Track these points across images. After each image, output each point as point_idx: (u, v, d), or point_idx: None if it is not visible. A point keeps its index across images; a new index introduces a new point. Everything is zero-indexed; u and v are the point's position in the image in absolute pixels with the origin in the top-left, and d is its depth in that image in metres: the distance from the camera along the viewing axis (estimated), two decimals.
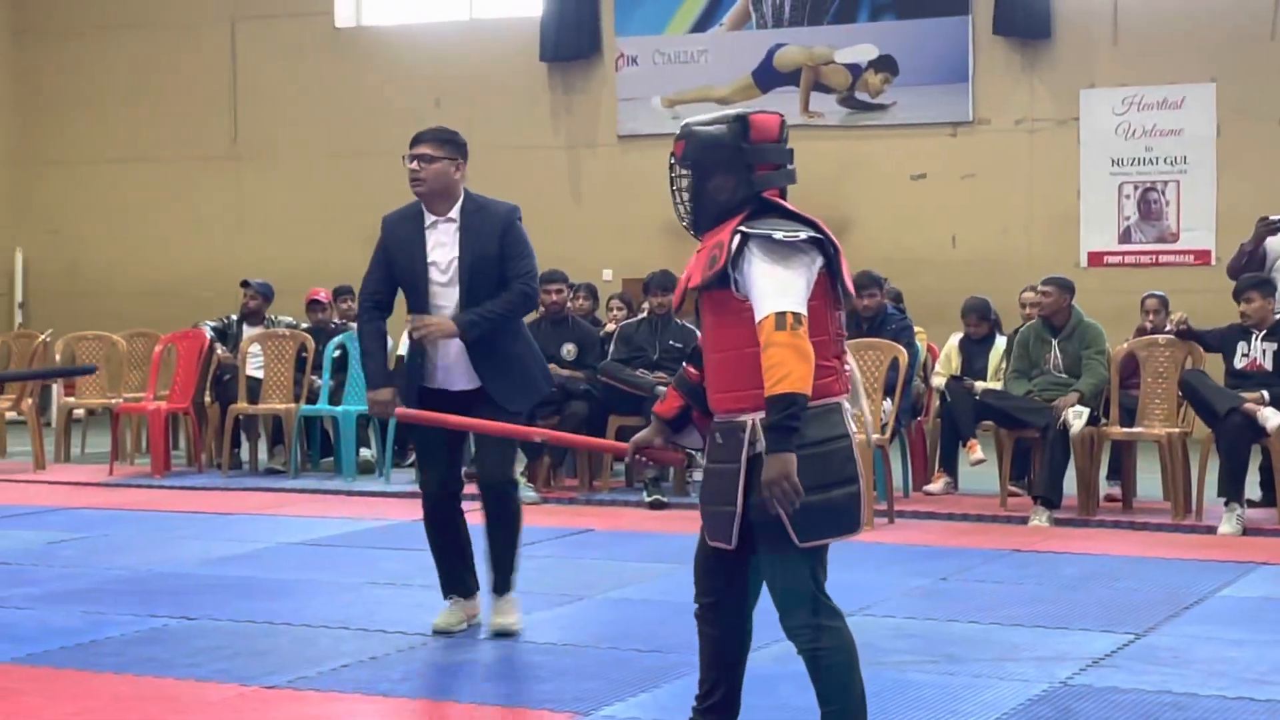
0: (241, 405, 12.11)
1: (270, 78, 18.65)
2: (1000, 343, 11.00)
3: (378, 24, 18.52)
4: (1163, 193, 15.40)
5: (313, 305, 12.93)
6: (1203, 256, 15.15)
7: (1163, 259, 15.34)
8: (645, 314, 11.16)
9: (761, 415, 4.16)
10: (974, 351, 11.10)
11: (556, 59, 17.49)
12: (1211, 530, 9.12)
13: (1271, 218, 10.14)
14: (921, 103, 16.16)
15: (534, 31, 17.47)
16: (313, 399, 12.21)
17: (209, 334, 12.64)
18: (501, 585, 6.37)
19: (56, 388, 15.04)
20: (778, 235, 4.21)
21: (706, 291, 4.33)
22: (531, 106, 17.77)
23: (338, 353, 12.32)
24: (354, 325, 13.13)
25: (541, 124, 17.69)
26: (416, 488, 11.09)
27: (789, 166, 4.44)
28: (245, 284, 12.96)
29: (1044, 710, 5.14)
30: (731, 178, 4.36)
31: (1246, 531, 9.08)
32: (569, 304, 11.62)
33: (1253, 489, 9.72)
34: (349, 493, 11.15)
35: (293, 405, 12.04)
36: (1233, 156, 15.14)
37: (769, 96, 16.64)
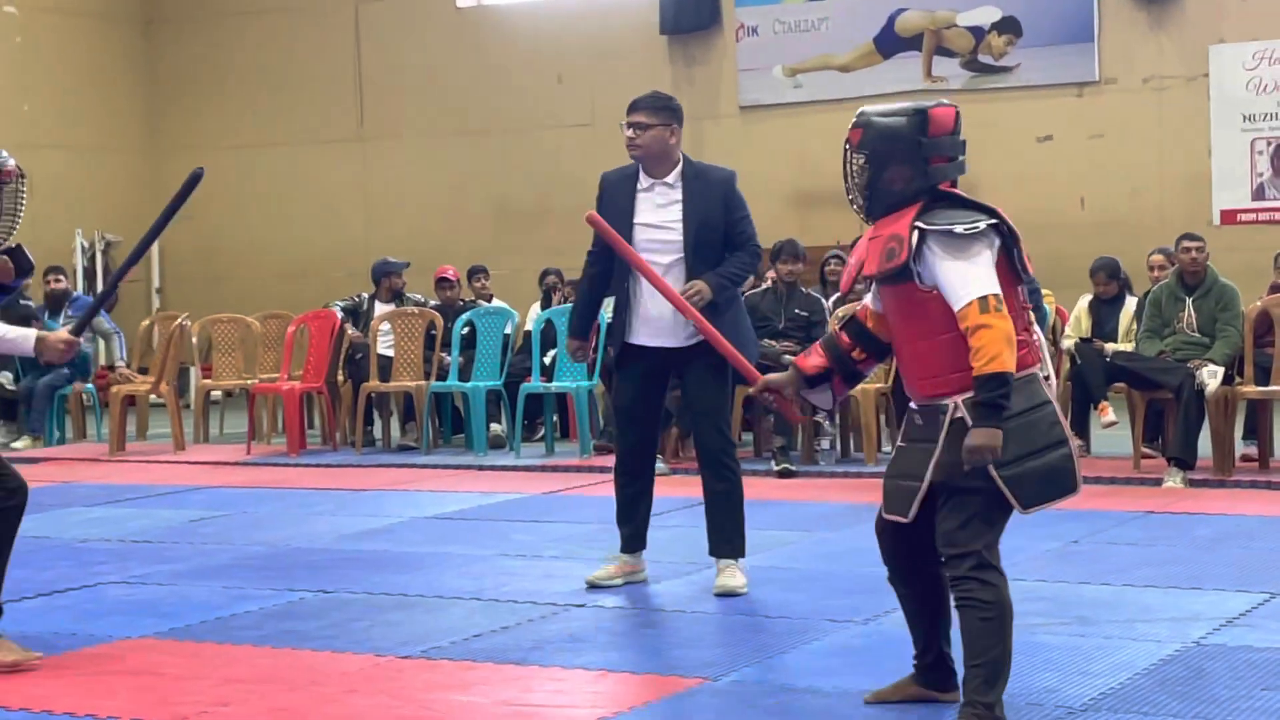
0: (373, 383, 12.28)
1: (394, 59, 18.84)
2: (1130, 304, 10.86)
3: (498, 2, 18.63)
4: None
5: (441, 283, 13.07)
6: None
7: None
8: (770, 283, 11.15)
9: (963, 397, 4.30)
10: (1104, 313, 10.97)
11: (677, 31, 17.50)
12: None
13: None
14: (1046, 63, 15.97)
15: (653, 4, 17.50)
16: (443, 376, 12.35)
17: (339, 314, 12.83)
18: (724, 549, 6.53)
19: (195, 370, 15.32)
20: (958, 229, 4.31)
21: (886, 284, 4.47)
22: (653, 79, 17.72)
23: (466, 329, 12.45)
24: (482, 303, 13.30)
25: None
26: (547, 461, 11.25)
27: (961, 158, 4.53)
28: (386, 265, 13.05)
29: (1176, 670, 5.09)
30: (908, 169, 4.46)
31: None
32: None
33: None
34: (480, 467, 11.26)
35: (423, 382, 12.18)
36: None
37: (891, 62, 16.55)
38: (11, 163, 5.40)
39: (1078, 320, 11.10)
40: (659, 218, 6.48)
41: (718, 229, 6.47)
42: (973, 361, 4.24)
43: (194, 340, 13.80)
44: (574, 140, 17.67)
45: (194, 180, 5.46)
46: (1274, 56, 15.13)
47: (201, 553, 7.88)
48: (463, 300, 13.22)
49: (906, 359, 4.52)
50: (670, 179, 6.51)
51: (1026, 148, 16.13)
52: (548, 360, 12.32)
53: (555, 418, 12.55)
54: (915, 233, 4.35)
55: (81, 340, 5.52)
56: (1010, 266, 4.40)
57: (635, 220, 6.48)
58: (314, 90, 19.19)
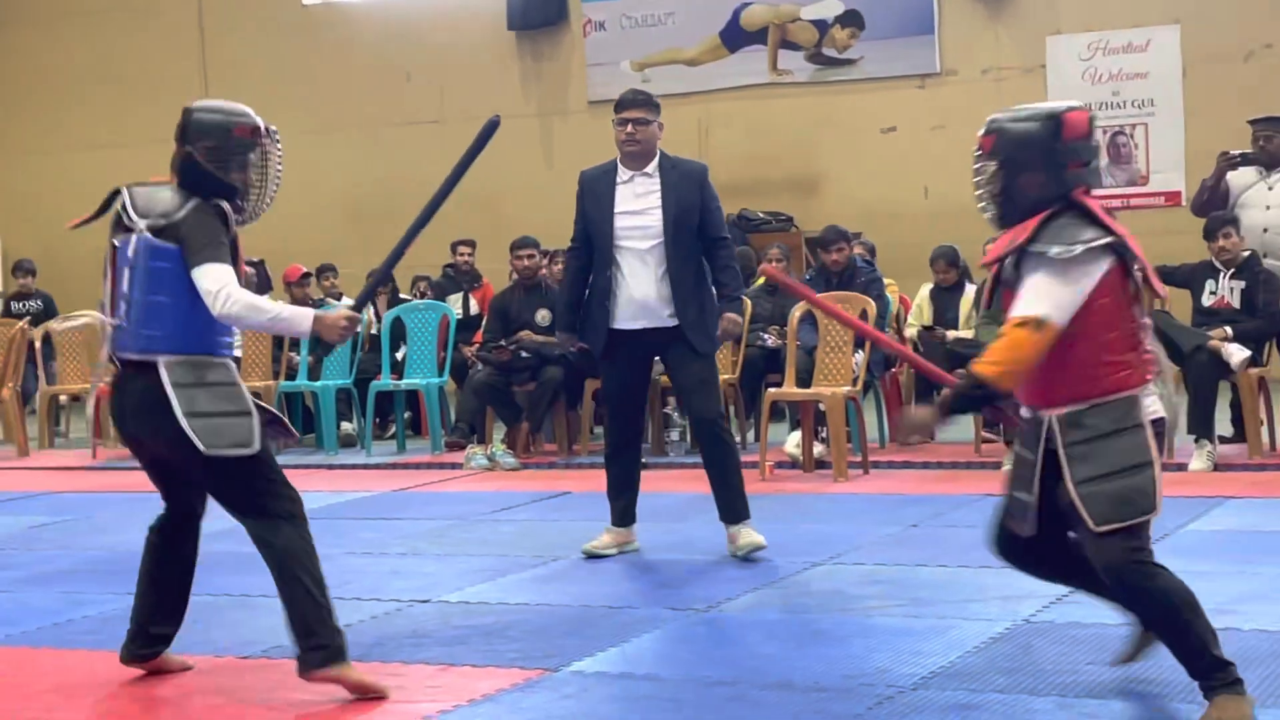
0: None
1: (239, 58, 18.65)
2: (970, 291, 11.07)
3: (345, 0, 18.51)
4: (1131, 136, 15.46)
5: (300, 280, 12.99)
6: (1173, 198, 15.21)
7: (1134, 202, 15.38)
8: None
9: (1058, 413, 4.31)
10: (945, 301, 11.17)
11: (525, 27, 17.51)
12: (1183, 467, 9.19)
13: (1232, 152, 10.18)
14: (889, 56, 16.19)
15: (500, 1, 17.47)
16: (292, 375, 12.27)
17: None
18: (730, 514, 7.00)
19: (40, 374, 15.08)
20: (1052, 253, 4.26)
21: (1005, 289, 4.46)
22: (501, 75, 17.79)
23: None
24: (332, 301, 13.22)
25: (512, 92, 17.71)
26: (398, 459, 11.21)
27: (1095, 163, 4.48)
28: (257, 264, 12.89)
29: (1005, 648, 5.22)
30: (1042, 175, 4.40)
31: (1218, 467, 9.16)
32: (544, 270, 11.66)
33: (1223, 425, 9.81)
34: (330, 466, 11.21)
35: (272, 382, 12.09)
36: (1199, 97, 15.19)
37: (737, 56, 16.68)
38: (259, 121, 5.01)
39: (919, 309, 11.29)
40: (638, 206, 6.93)
41: (693, 217, 6.93)
42: (985, 355, 4.26)
43: (38, 345, 13.55)
44: (423, 137, 17.61)
45: (490, 129, 5.24)
46: (1108, 47, 15.48)
47: (42, 559, 7.76)
48: (313, 299, 13.14)
49: None
50: (649, 169, 6.96)
51: (871, 139, 16.35)
52: (399, 357, 12.28)
53: (406, 415, 12.52)
54: (1014, 254, 4.34)
55: (361, 318, 5.14)
56: (1125, 286, 4.32)
57: (616, 210, 6.93)
58: (159, 90, 18.91)
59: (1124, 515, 4.24)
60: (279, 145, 5.09)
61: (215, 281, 4.78)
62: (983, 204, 4.53)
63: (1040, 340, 4.21)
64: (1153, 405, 4.36)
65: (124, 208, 5.05)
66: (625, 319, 6.96)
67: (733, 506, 7.00)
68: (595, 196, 7.05)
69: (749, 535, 6.94)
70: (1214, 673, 4.24)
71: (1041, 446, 4.37)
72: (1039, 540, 4.52)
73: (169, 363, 4.85)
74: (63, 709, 4.88)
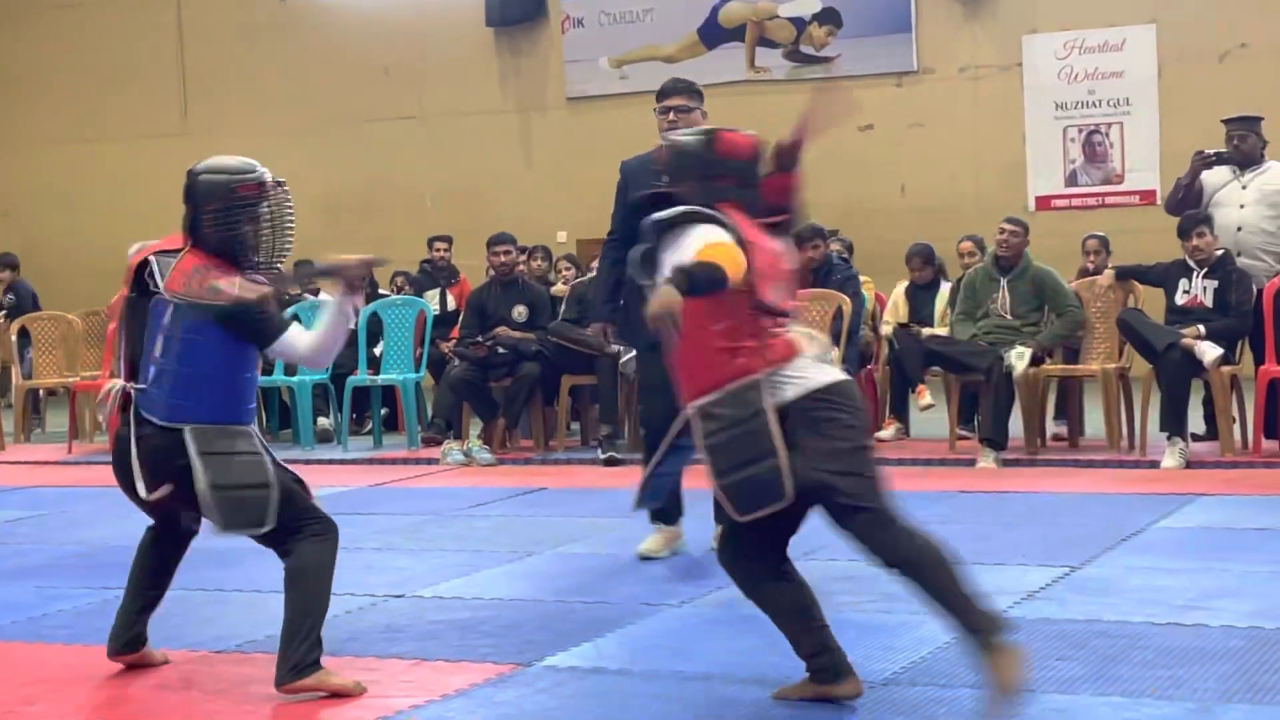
0: None
1: (219, 53, 18.64)
2: (945, 289, 11.11)
3: None
4: (1106, 135, 15.53)
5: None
6: (1148, 196, 15.28)
7: (1109, 200, 15.49)
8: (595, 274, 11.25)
9: (694, 406, 4.51)
10: (920, 299, 11.21)
11: (503, 23, 17.53)
12: (1155, 465, 9.26)
13: (1206, 151, 10.23)
14: (866, 54, 16.25)
15: None
16: (269, 370, 12.25)
17: None
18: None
19: (15, 369, 15.06)
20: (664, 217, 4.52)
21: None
22: (480, 72, 17.80)
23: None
24: (309, 296, 13.20)
25: (490, 89, 17.73)
26: (374, 454, 11.22)
27: (753, 193, 4.68)
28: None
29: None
30: (695, 184, 4.64)
31: (1190, 465, 9.22)
32: (523, 266, 11.67)
33: (1195, 423, 9.87)
34: (307, 462, 11.18)
35: None
36: (1174, 96, 15.27)
37: (715, 53, 16.73)
38: (265, 175, 5.07)
39: (895, 306, 11.33)
40: None
41: None
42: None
43: (13, 338, 13.53)
44: (401, 133, 17.63)
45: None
46: (1084, 46, 15.55)
47: (16, 553, 7.77)
48: (288, 294, 13.10)
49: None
50: None
51: (848, 137, 16.34)
52: (376, 352, 12.29)
53: (383, 410, 12.52)
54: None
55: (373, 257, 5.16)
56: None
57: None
58: (137, 85, 18.91)
59: (762, 504, 4.42)
60: (288, 196, 5.12)
61: (292, 348, 5.00)
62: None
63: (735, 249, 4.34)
64: (813, 372, 4.50)
65: (151, 275, 5.06)
66: None
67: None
68: (640, 188, 6.63)
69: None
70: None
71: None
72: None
73: (197, 431, 4.88)
74: (40, 702, 4.89)
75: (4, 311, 13.96)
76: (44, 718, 4.71)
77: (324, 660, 4.89)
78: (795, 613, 4.72)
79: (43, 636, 5.82)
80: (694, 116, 6.84)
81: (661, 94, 6.95)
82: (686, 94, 6.90)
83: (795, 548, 6.99)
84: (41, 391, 14.17)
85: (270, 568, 6.68)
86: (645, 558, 6.96)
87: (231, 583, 6.71)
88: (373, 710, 4.71)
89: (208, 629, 5.86)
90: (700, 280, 4.21)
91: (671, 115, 6.85)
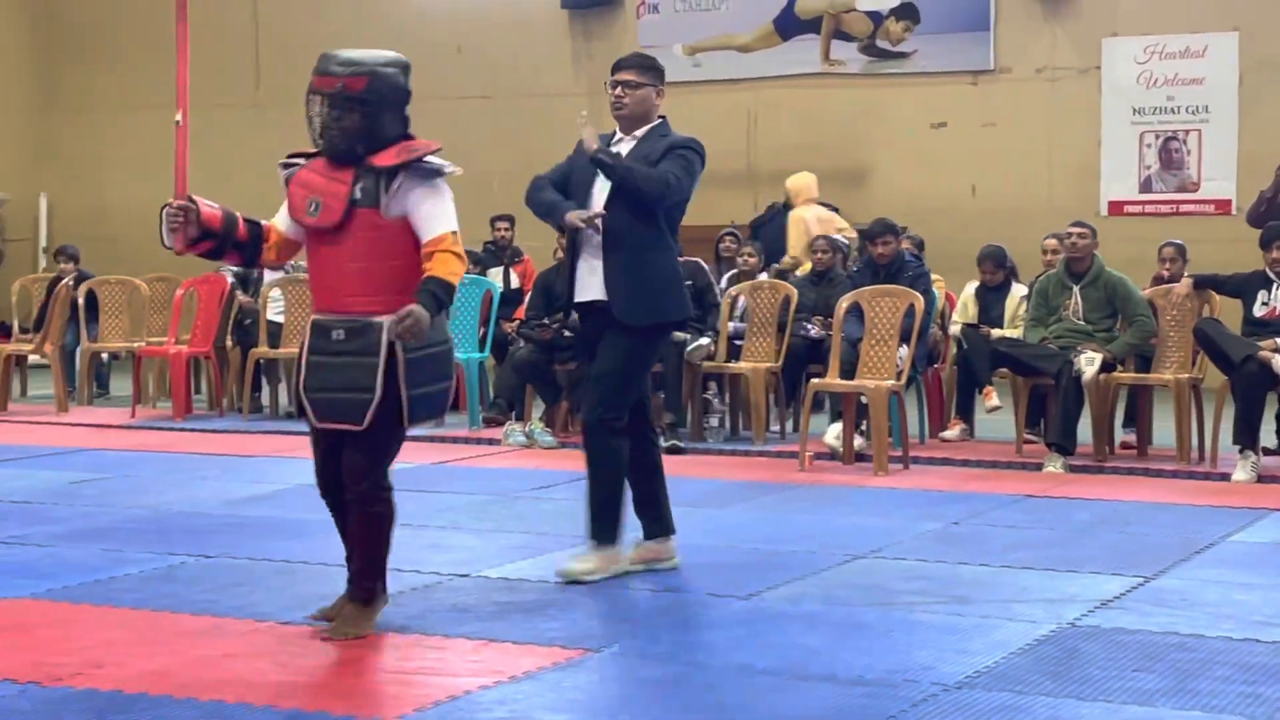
0: (262, 349, 12.19)
1: (293, 26, 18.66)
2: (1015, 290, 11.02)
3: None
4: (1184, 142, 15.36)
5: None
6: (1223, 206, 15.11)
7: (1183, 208, 15.31)
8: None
9: (391, 318, 5.06)
10: (990, 299, 11.12)
11: (578, 6, 17.49)
12: (1226, 477, 9.14)
13: None
14: (942, 51, 16.12)
15: None
16: None
17: (230, 279, 12.70)
18: (588, 529, 6.38)
19: (82, 331, 15.15)
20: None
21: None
22: (553, 54, 17.76)
23: None
24: None
25: (563, 71, 17.69)
26: (435, 431, 11.20)
27: None
28: None
29: (1050, 650, 5.18)
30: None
31: (1261, 479, 9.10)
32: None
33: (1268, 436, 9.76)
34: None
35: None
36: (1254, 106, 15.09)
37: (790, 44, 16.64)
38: None
39: (965, 306, 11.24)
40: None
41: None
42: (439, 272, 5.09)
43: (80, 301, 13.59)
44: (473, 112, 17.60)
45: None
46: (1165, 51, 15.37)
47: (82, 515, 7.78)
48: None
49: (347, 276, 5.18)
50: (640, 133, 6.37)
51: (921, 134, 16.28)
52: None
53: None
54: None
55: None
56: None
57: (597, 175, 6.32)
58: (210, 53, 18.90)
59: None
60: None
61: None
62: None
63: None
64: None
65: None
66: (577, 290, 6.36)
67: (591, 522, 6.37)
68: (583, 156, 6.39)
69: (574, 560, 6.29)
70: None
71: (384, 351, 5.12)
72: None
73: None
74: (108, 665, 4.87)
75: (74, 275, 13.89)
76: (111, 681, 4.69)
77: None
78: None
79: (110, 600, 5.82)
80: (644, 93, 6.34)
81: (613, 67, 6.45)
82: (638, 69, 6.38)
83: (863, 546, 6.97)
84: (105, 355, 14.22)
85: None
86: (572, 580, 6.19)
87: (298, 554, 6.70)
88: (441, 690, 4.68)
89: (275, 599, 5.84)
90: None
91: (619, 90, 6.33)
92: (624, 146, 6.39)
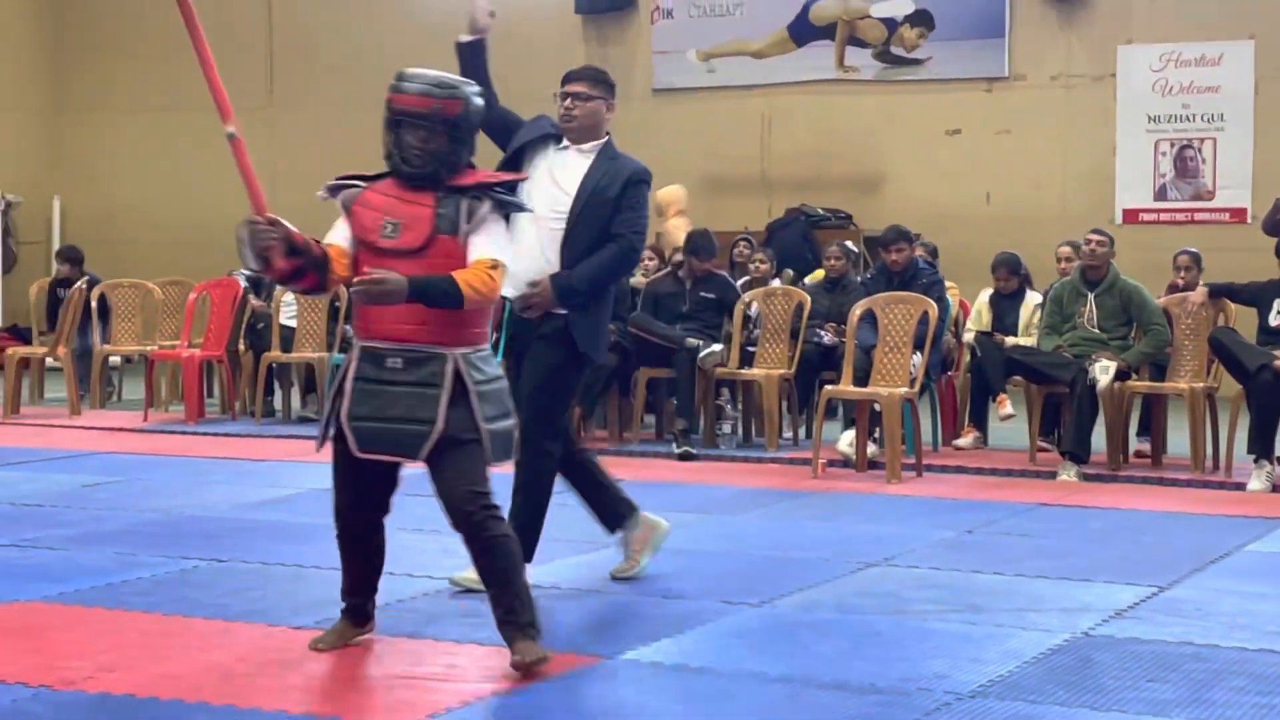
0: (275, 354, 12.19)
1: (305, 29, 18.68)
2: (1030, 298, 11.00)
3: None
4: (1199, 150, 15.31)
5: None
6: (1238, 214, 15.06)
7: (1198, 216, 15.26)
8: (671, 267, 11.30)
9: (461, 351, 5.00)
10: (1004, 307, 11.10)
11: (592, 11, 17.46)
12: (1241, 487, 9.11)
13: None
14: (957, 58, 16.08)
15: None
16: (345, 348, 12.26)
17: (243, 283, 12.71)
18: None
19: (95, 334, 15.16)
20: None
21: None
22: (566, 58, 17.66)
23: None
24: None
25: None
26: None
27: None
28: None
29: (1064, 659, 5.16)
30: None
31: (1276, 488, 9.06)
32: None
33: None
34: None
35: (325, 354, 12.11)
36: (1271, 114, 15.03)
37: (804, 50, 16.61)
38: None
39: (979, 314, 11.22)
40: (562, 177, 6.16)
41: (609, 206, 6.09)
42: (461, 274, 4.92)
43: (92, 304, 13.60)
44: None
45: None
46: (1180, 59, 15.33)
47: (94, 518, 7.78)
48: None
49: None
50: (587, 148, 6.21)
51: (935, 140, 16.25)
52: None
53: None
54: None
55: None
56: None
57: (549, 172, 6.18)
58: (223, 56, 18.64)
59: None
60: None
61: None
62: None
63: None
64: None
65: None
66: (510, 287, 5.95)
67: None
68: (531, 141, 6.26)
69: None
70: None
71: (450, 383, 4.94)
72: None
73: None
74: (120, 669, 4.87)
75: (85, 279, 13.88)
76: (123, 685, 4.68)
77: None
78: None
79: (122, 603, 5.81)
80: (594, 105, 6.17)
81: (564, 78, 6.31)
82: (590, 81, 6.23)
83: (876, 554, 6.95)
84: (117, 358, 14.21)
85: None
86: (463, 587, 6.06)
87: (310, 558, 6.69)
88: (454, 696, 4.67)
89: (287, 604, 5.83)
90: (433, 298, 4.99)
91: (569, 101, 6.18)
92: (571, 157, 6.21)
